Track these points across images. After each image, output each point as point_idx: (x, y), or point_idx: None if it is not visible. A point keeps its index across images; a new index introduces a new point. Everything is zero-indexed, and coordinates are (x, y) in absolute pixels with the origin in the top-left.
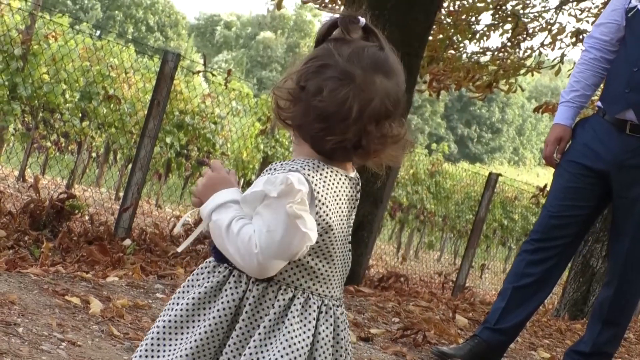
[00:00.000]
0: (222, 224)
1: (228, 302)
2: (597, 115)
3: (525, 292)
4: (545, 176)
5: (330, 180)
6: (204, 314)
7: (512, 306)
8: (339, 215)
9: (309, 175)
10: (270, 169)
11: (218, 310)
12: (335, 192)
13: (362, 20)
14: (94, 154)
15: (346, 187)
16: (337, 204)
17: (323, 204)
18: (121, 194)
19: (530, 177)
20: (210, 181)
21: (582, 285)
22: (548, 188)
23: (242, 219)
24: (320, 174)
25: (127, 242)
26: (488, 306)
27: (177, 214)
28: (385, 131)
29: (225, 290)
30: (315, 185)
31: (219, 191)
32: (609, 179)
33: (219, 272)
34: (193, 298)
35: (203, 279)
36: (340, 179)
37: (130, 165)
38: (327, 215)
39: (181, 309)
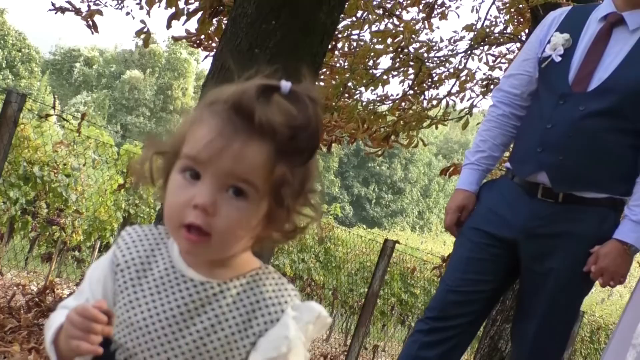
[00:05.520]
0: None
1: None
2: (505, 177)
3: None
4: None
5: None
6: None
7: None
8: None
9: None
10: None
11: None
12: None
13: (286, 85)
14: None
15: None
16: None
17: None
18: None
19: (436, 245)
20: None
21: None
22: None
23: None
24: None
25: None
26: None
27: (20, 281)
28: None
29: None
30: None
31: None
32: (517, 249)
33: None
34: None
35: None
36: None
37: None
38: None
39: None
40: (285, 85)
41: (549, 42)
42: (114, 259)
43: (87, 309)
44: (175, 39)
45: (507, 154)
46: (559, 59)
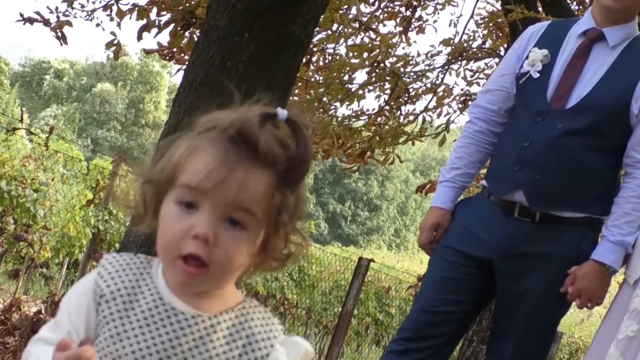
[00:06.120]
0: None
1: None
2: (481, 195)
3: None
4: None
5: None
6: None
7: None
8: None
9: None
10: None
11: None
12: None
13: (282, 112)
14: None
15: None
16: None
17: None
18: None
19: (412, 263)
20: None
21: None
22: None
23: None
24: None
25: None
26: None
27: None
28: None
29: None
30: None
31: None
32: (493, 269)
33: None
34: None
35: None
36: None
37: None
38: None
39: None
40: (282, 113)
41: (527, 57)
42: (96, 288)
43: (81, 355)
44: (147, 52)
45: (483, 170)
46: (537, 75)
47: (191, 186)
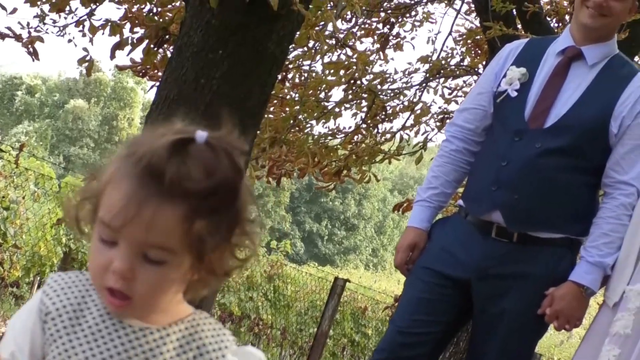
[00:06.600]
0: None
1: None
2: (458, 215)
3: None
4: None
5: None
6: None
7: None
8: None
9: None
10: None
11: None
12: None
13: (201, 135)
14: None
15: None
16: None
17: None
18: None
19: (390, 283)
20: None
21: None
22: None
23: None
24: None
25: None
26: None
27: None
28: None
29: None
30: None
31: None
32: (470, 289)
33: None
34: None
35: None
36: None
37: None
38: None
39: None
40: (201, 135)
41: (504, 76)
42: (41, 307)
43: None
44: (120, 68)
45: (460, 189)
46: (515, 94)
47: (104, 222)
